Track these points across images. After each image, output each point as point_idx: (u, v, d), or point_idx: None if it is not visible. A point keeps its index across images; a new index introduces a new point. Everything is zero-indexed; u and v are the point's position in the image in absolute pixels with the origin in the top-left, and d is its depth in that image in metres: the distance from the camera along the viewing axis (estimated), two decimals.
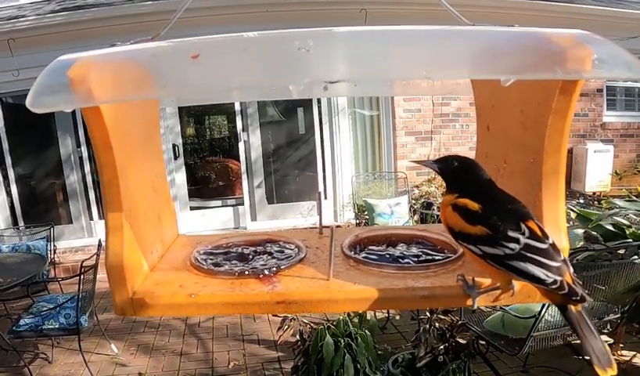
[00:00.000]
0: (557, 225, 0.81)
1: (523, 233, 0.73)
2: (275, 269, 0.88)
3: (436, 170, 0.86)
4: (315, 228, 1.11)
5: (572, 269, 0.73)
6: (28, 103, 0.60)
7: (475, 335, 2.82)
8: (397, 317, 3.89)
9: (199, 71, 0.64)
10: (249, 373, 3.26)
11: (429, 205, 5.44)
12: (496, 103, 0.96)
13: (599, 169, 6.15)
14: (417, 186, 5.95)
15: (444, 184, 0.87)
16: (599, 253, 2.50)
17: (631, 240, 2.72)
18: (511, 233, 0.73)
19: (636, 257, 2.53)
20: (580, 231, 2.89)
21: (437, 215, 5.14)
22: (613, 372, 0.67)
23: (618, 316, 2.72)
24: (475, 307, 0.81)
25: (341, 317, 2.62)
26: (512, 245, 0.72)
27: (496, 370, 2.86)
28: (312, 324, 2.72)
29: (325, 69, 0.66)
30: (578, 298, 0.70)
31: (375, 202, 5.24)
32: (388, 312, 3.81)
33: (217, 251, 1.01)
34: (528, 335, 2.49)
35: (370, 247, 1.00)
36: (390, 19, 5.06)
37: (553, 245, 0.73)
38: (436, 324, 2.62)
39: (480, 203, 0.78)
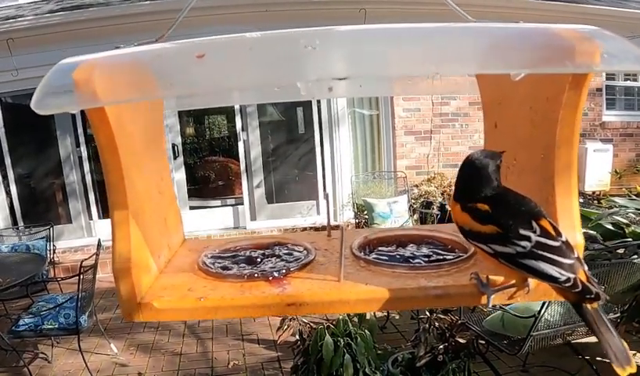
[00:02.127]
0: (571, 221, 0.80)
1: (535, 231, 0.72)
2: (284, 271, 0.87)
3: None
4: (320, 229, 1.10)
5: (586, 267, 0.72)
6: (33, 105, 0.59)
7: (475, 335, 2.82)
8: (397, 317, 3.89)
9: (204, 71, 0.64)
10: (249, 372, 3.25)
11: (428, 204, 5.45)
12: (503, 100, 0.95)
13: (599, 168, 6.17)
14: (416, 186, 5.96)
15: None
16: (599, 252, 2.50)
17: (630, 239, 2.73)
18: (522, 231, 0.72)
19: (636, 256, 2.54)
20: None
21: (437, 214, 5.15)
22: (632, 370, 0.65)
23: (618, 315, 2.73)
24: (490, 305, 0.81)
25: (341, 317, 2.61)
26: (523, 243, 0.71)
27: (496, 369, 2.86)
28: (312, 324, 2.72)
29: (332, 67, 0.65)
30: (592, 295, 0.68)
31: (375, 201, 5.24)
32: (388, 312, 3.81)
33: (225, 255, 1.00)
34: (528, 335, 2.49)
35: (379, 248, 0.99)
36: (390, 18, 5.06)
37: (566, 242, 0.72)
38: (436, 324, 2.61)
39: (490, 203, 0.77)
